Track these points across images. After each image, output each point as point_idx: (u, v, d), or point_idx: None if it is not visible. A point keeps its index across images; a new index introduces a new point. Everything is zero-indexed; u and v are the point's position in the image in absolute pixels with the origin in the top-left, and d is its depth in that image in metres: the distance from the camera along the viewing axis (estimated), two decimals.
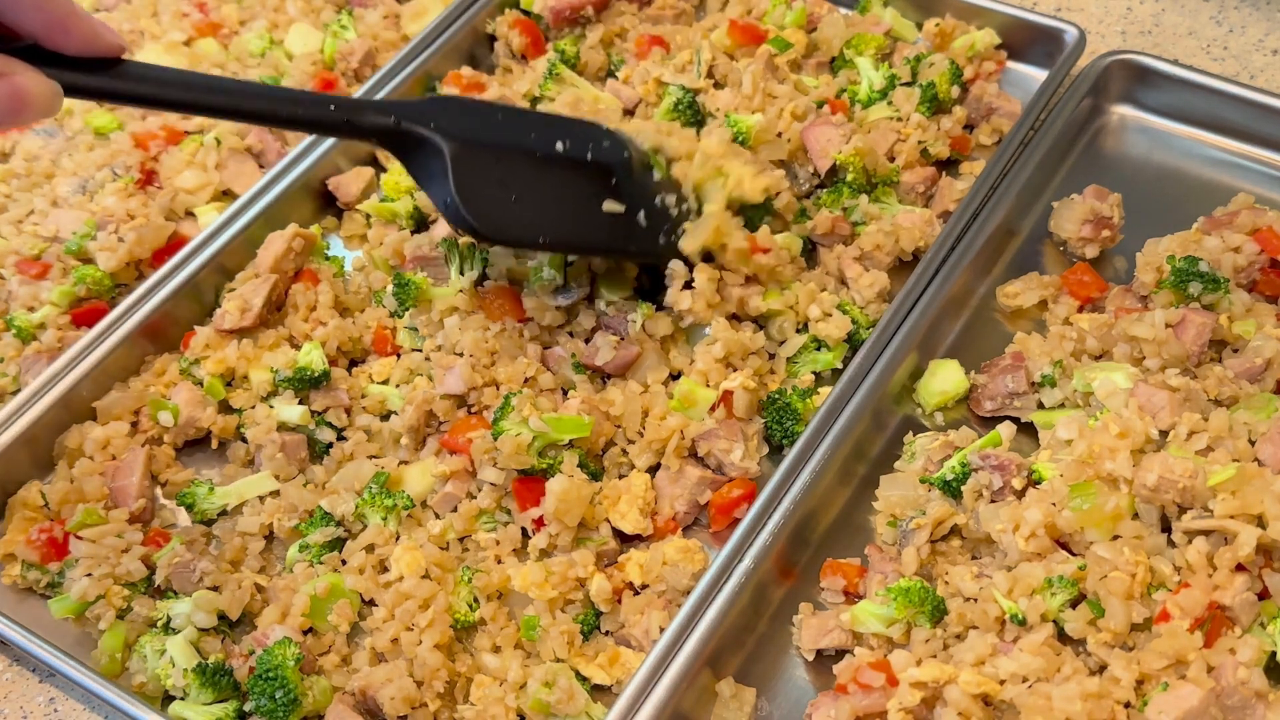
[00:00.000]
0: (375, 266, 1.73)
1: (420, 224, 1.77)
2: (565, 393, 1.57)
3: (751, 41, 1.90)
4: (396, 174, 1.79)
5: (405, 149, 1.45)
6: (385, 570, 1.45)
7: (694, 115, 1.81)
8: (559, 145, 1.52)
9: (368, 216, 1.80)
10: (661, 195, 1.58)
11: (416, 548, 1.43)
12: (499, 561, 1.45)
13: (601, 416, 1.51)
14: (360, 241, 1.80)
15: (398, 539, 1.47)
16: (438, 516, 1.50)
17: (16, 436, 1.54)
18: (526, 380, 1.57)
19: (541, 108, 1.85)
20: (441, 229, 1.70)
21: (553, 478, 1.44)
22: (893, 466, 1.51)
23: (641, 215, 1.54)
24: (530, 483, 1.47)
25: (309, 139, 1.83)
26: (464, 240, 1.66)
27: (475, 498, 1.49)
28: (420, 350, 1.63)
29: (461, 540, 1.49)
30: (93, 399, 1.60)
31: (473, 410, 1.54)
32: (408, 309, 1.64)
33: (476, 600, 1.42)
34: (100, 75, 1.21)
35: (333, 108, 1.41)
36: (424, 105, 1.47)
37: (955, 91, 1.83)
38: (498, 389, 1.54)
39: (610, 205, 1.52)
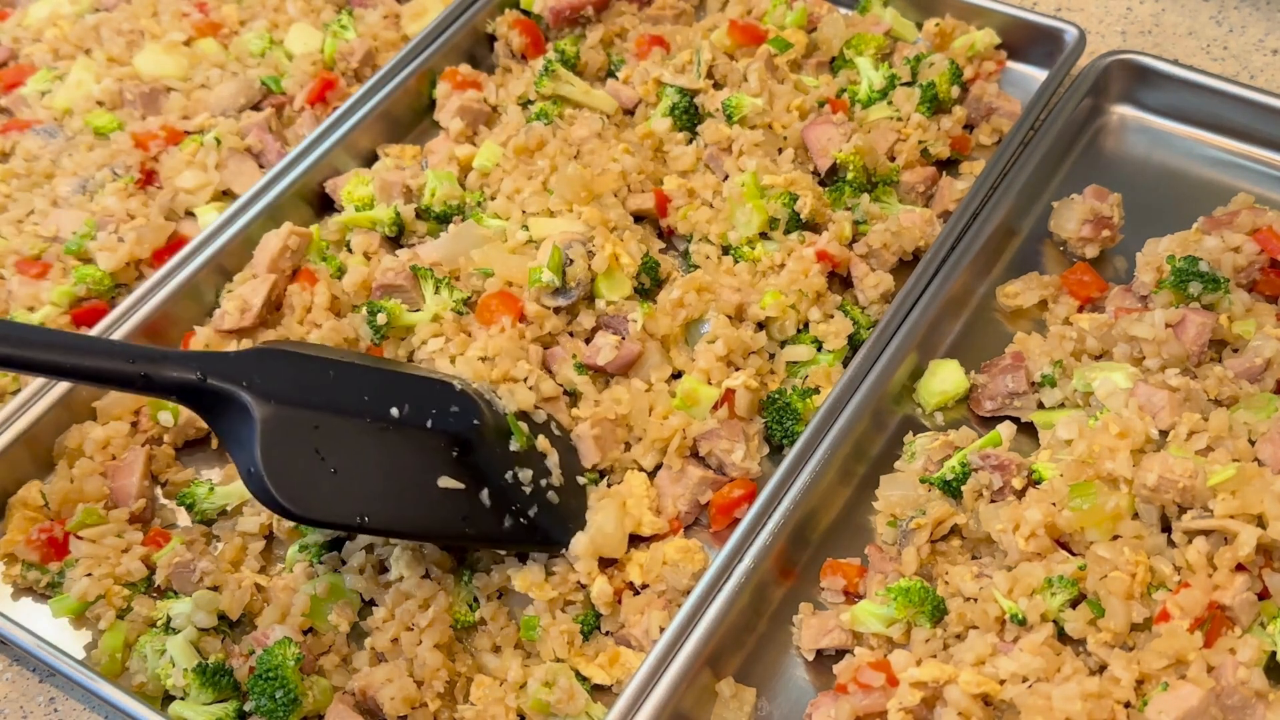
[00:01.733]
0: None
1: (401, 230, 1.76)
2: (568, 394, 1.57)
3: (751, 41, 1.90)
4: (355, 183, 1.78)
5: (210, 408, 1.27)
6: (385, 570, 1.45)
7: (691, 118, 1.81)
8: (394, 411, 1.35)
9: (347, 226, 1.78)
10: (514, 470, 1.41)
11: (416, 547, 1.43)
12: (498, 563, 1.45)
13: (610, 426, 1.51)
14: (340, 248, 1.78)
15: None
16: None
17: (16, 436, 1.54)
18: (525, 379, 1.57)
19: (536, 108, 1.85)
20: (409, 252, 1.69)
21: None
22: (893, 466, 1.51)
23: (485, 493, 1.38)
24: None
25: (310, 139, 1.83)
26: (432, 261, 1.64)
27: None
28: (413, 360, 1.63)
29: None
30: (93, 399, 1.60)
31: None
32: (385, 338, 1.62)
33: (476, 600, 1.42)
34: None
35: (129, 360, 1.23)
36: (241, 359, 1.31)
37: (955, 91, 1.83)
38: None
39: (446, 482, 1.35)
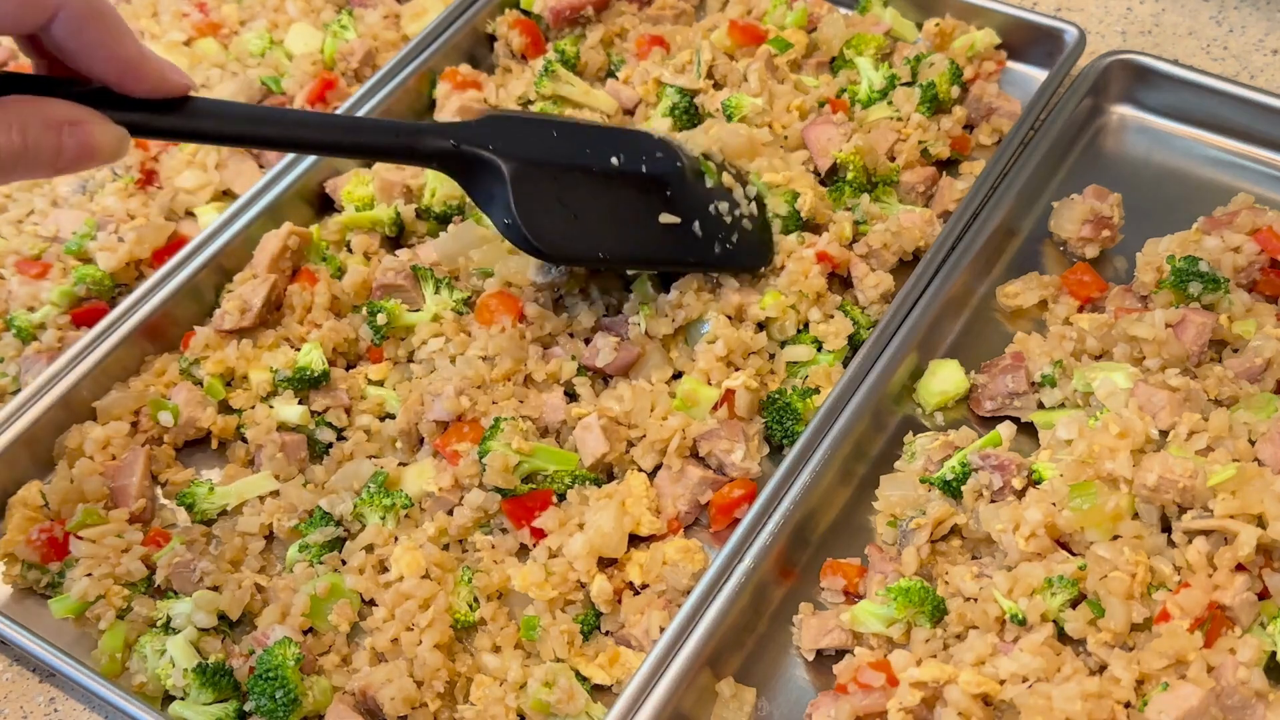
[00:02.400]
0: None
1: (401, 230, 1.76)
2: (569, 395, 1.57)
3: (751, 41, 1.90)
4: (355, 183, 1.78)
5: (464, 172, 1.46)
6: (385, 570, 1.45)
7: (691, 118, 1.81)
8: (614, 160, 1.54)
9: (348, 227, 1.77)
10: (714, 203, 1.59)
11: (416, 548, 1.43)
12: (498, 562, 1.45)
13: (614, 426, 1.51)
14: (340, 248, 1.78)
15: (396, 540, 1.47)
16: (432, 520, 1.49)
17: (16, 436, 1.54)
18: (526, 379, 1.57)
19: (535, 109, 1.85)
20: (409, 252, 1.70)
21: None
22: (893, 466, 1.51)
23: (697, 225, 1.56)
24: (520, 502, 1.47)
25: None
26: (432, 261, 1.65)
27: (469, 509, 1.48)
28: (413, 360, 1.63)
29: (460, 542, 1.49)
30: (93, 399, 1.60)
31: (466, 418, 1.53)
32: (385, 338, 1.63)
33: (476, 600, 1.42)
34: (168, 115, 1.21)
35: (394, 135, 1.42)
36: (482, 127, 1.47)
37: (955, 91, 1.83)
38: (494, 403, 1.53)
39: (666, 218, 1.54)
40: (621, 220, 1.53)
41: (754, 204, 1.64)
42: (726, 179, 1.63)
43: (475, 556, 1.46)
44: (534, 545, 1.45)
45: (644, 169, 1.56)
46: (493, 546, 1.46)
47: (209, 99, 1.28)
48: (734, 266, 1.60)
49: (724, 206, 1.60)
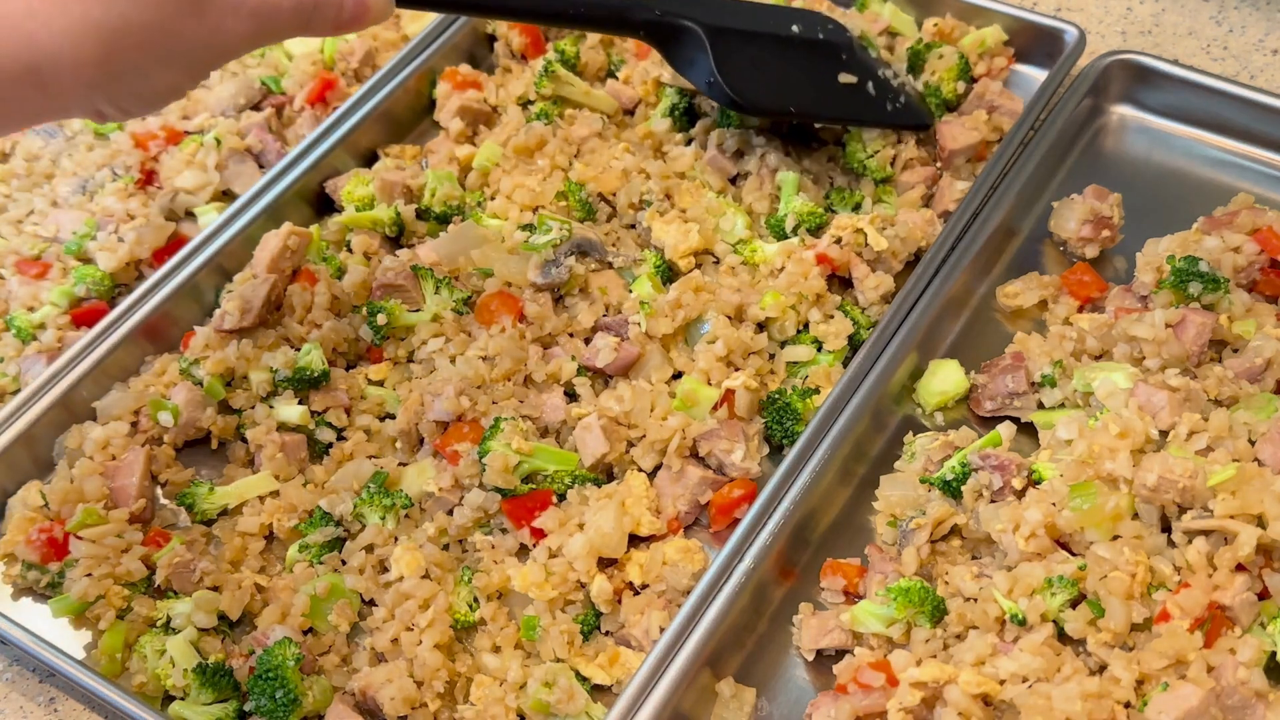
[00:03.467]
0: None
1: (401, 230, 1.76)
2: (569, 396, 1.57)
3: None
4: (355, 183, 1.78)
5: (666, 39, 1.64)
6: (385, 570, 1.45)
7: (690, 120, 1.81)
8: (795, 27, 1.72)
9: (348, 227, 1.78)
10: (881, 69, 1.79)
11: (416, 548, 1.43)
12: (498, 562, 1.45)
13: (614, 426, 1.51)
14: (340, 248, 1.78)
15: (396, 540, 1.47)
16: (432, 520, 1.49)
17: (16, 436, 1.54)
18: (526, 379, 1.57)
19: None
20: (409, 252, 1.70)
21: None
22: (893, 466, 1.51)
23: (870, 86, 1.74)
24: (520, 502, 1.47)
25: (310, 139, 1.83)
26: (432, 261, 1.65)
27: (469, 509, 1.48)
28: (413, 360, 1.63)
29: (460, 542, 1.49)
30: (93, 399, 1.60)
31: (466, 418, 1.53)
32: (385, 338, 1.63)
33: (476, 600, 1.42)
34: None
35: (604, 7, 1.60)
36: (679, 1, 1.65)
37: (961, 87, 1.83)
38: (494, 403, 1.53)
39: (845, 77, 1.73)
40: (807, 79, 1.71)
41: (910, 75, 1.84)
42: (884, 53, 1.85)
43: (475, 556, 1.46)
44: (534, 545, 1.45)
45: (820, 35, 1.75)
46: (493, 546, 1.46)
47: None
48: (904, 124, 1.77)
49: (889, 72, 1.80)
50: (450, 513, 1.49)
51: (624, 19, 1.62)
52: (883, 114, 1.75)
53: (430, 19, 2.00)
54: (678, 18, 1.62)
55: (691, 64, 1.64)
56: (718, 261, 1.68)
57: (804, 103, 1.71)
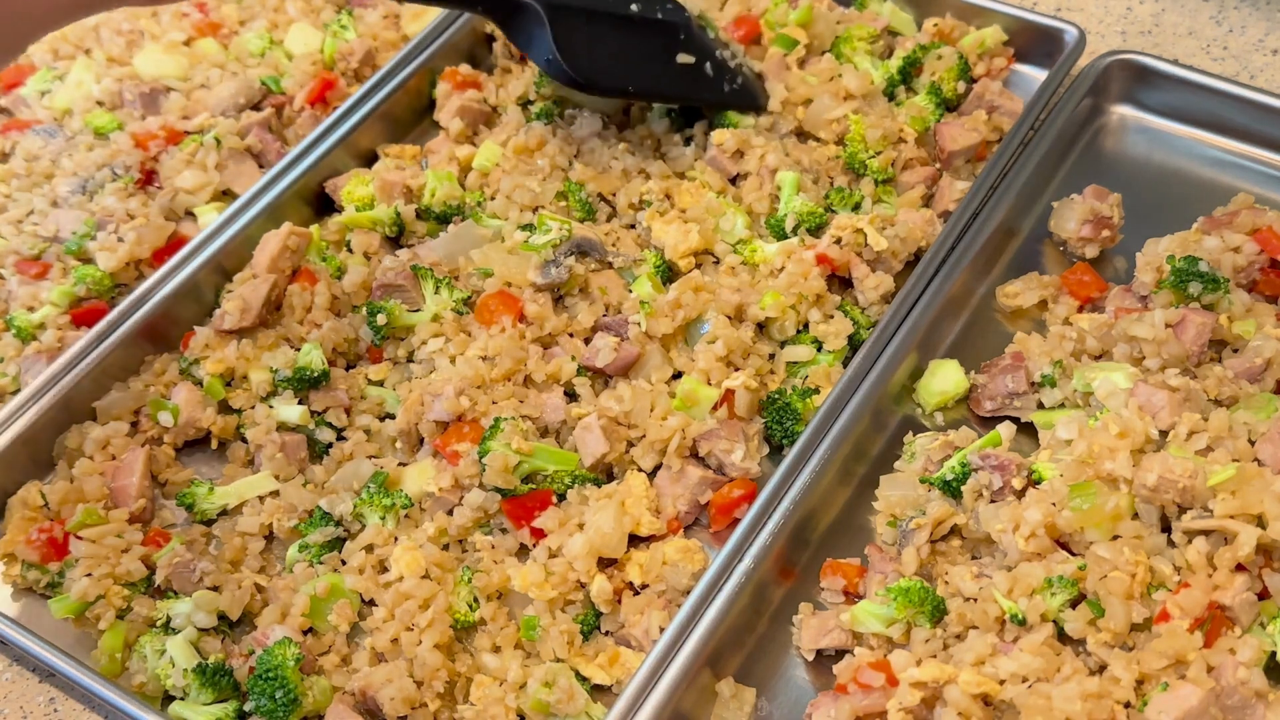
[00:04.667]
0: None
1: (401, 230, 1.76)
2: (569, 396, 1.57)
3: (748, 36, 1.89)
4: (355, 183, 1.79)
5: (506, 16, 1.67)
6: (385, 570, 1.45)
7: (689, 120, 1.80)
8: (634, 6, 1.73)
9: (348, 227, 1.78)
10: (719, 50, 1.81)
11: (416, 548, 1.43)
12: (498, 563, 1.45)
13: (614, 426, 1.51)
14: (340, 248, 1.78)
15: (396, 540, 1.47)
16: (432, 520, 1.49)
17: (16, 436, 1.54)
18: (526, 379, 1.57)
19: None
20: (409, 252, 1.70)
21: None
22: (893, 466, 1.51)
23: (708, 66, 1.76)
24: (520, 502, 1.47)
25: (310, 139, 1.83)
26: (432, 261, 1.66)
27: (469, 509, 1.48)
28: (413, 360, 1.63)
29: (460, 542, 1.49)
30: (93, 399, 1.60)
31: (466, 418, 1.53)
32: (385, 338, 1.63)
33: (476, 600, 1.42)
34: None
35: None
36: None
37: (961, 87, 1.84)
38: (494, 403, 1.53)
39: (684, 57, 1.75)
40: (645, 58, 1.73)
41: (745, 57, 1.86)
42: (723, 34, 1.86)
43: (475, 556, 1.46)
44: (534, 545, 1.45)
45: (659, 15, 1.75)
46: (493, 546, 1.46)
47: None
48: (740, 105, 1.79)
49: (727, 54, 1.82)
50: (450, 513, 1.49)
51: None
52: (720, 94, 1.78)
53: (430, 19, 2.00)
54: None
55: (531, 41, 1.66)
56: (718, 262, 1.68)
57: (643, 82, 1.73)
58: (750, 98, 1.80)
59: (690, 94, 1.77)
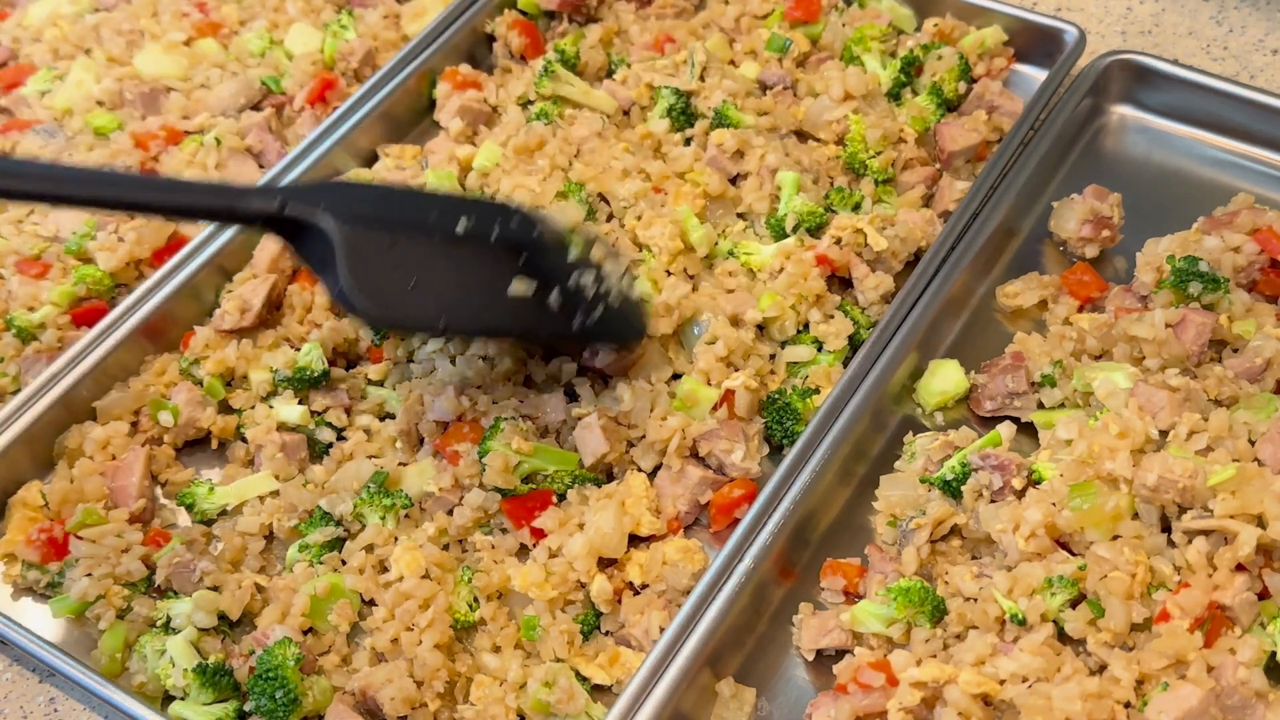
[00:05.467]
0: None
1: None
2: (569, 395, 1.57)
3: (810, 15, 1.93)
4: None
5: (294, 235, 1.39)
6: (385, 570, 1.45)
7: (689, 119, 1.81)
8: (460, 225, 1.46)
9: None
10: (577, 275, 1.50)
11: (416, 548, 1.43)
12: (498, 562, 1.45)
13: (614, 426, 1.51)
14: None
15: (396, 540, 1.47)
16: (432, 520, 1.49)
17: (16, 436, 1.54)
18: (526, 379, 1.57)
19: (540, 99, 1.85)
20: None
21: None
22: (893, 466, 1.51)
23: (554, 296, 1.46)
24: (520, 502, 1.47)
25: (310, 139, 1.83)
26: None
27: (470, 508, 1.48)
28: (413, 360, 1.63)
29: (460, 542, 1.49)
30: (93, 399, 1.60)
31: (466, 418, 1.53)
32: (385, 338, 1.63)
33: (476, 600, 1.42)
34: None
35: (216, 196, 1.40)
36: (314, 189, 1.44)
37: (962, 88, 1.84)
38: (494, 402, 1.53)
39: (517, 287, 1.44)
40: (466, 287, 1.45)
41: (625, 279, 1.55)
42: (597, 252, 1.54)
43: (475, 556, 1.46)
44: (534, 545, 1.45)
45: (493, 237, 1.47)
46: (493, 546, 1.46)
47: (12, 158, 1.26)
48: (595, 340, 1.54)
49: (587, 279, 1.50)
50: (450, 513, 1.49)
51: (235, 212, 1.38)
52: (563, 328, 1.48)
53: (430, 19, 2.00)
54: (304, 211, 1.36)
55: (323, 265, 1.37)
56: (713, 265, 1.68)
57: (461, 316, 1.44)
58: (612, 331, 1.53)
59: (523, 328, 1.48)
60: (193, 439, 1.61)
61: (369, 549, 1.46)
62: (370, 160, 1.88)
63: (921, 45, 1.87)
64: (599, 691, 1.37)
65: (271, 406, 1.57)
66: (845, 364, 1.57)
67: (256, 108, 1.95)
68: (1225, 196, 1.70)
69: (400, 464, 1.54)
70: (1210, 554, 1.29)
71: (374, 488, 1.48)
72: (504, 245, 1.47)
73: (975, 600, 1.33)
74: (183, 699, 1.36)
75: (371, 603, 1.44)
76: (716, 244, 1.68)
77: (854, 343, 1.60)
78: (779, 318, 1.58)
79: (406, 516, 1.49)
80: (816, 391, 1.55)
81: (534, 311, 1.45)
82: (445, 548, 1.47)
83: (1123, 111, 1.87)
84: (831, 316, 1.61)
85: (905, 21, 1.95)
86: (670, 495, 1.48)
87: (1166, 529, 1.34)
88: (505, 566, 1.44)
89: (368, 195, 1.50)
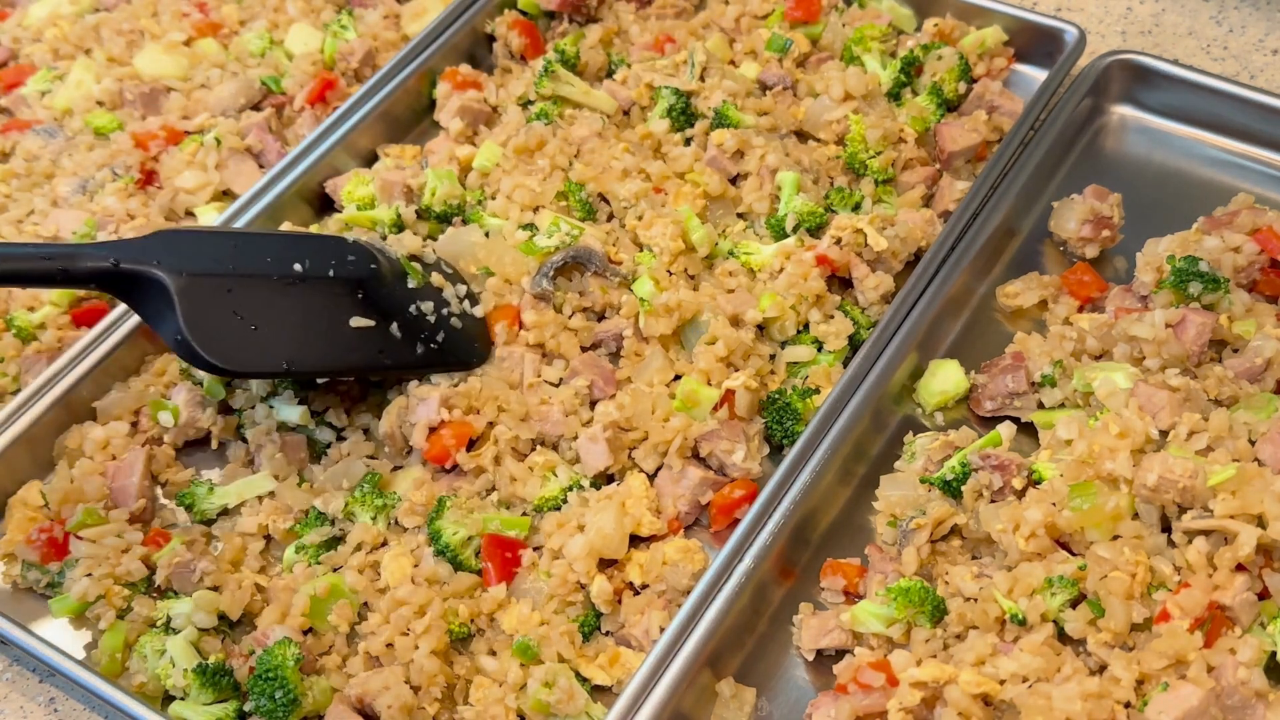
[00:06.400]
0: None
1: (401, 230, 1.76)
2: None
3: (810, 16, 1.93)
4: (355, 183, 1.78)
5: (130, 291, 1.40)
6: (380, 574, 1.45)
7: (690, 119, 1.81)
8: (297, 266, 1.49)
9: (347, 226, 1.77)
10: (416, 304, 1.55)
11: (405, 554, 1.43)
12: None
13: (618, 436, 1.51)
14: None
15: (385, 543, 1.46)
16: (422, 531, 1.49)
17: (16, 436, 1.54)
18: (526, 381, 1.57)
19: (536, 107, 1.85)
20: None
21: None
22: (893, 466, 1.51)
23: (395, 326, 1.52)
24: (499, 540, 1.45)
25: (310, 139, 1.83)
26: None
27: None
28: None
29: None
30: (93, 399, 1.60)
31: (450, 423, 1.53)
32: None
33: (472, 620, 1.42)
34: None
35: (45, 259, 1.38)
36: (145, 241, 1.42)
37: (962, 88, 1.84)
38: (498, 410, 1.54)
39: (359, 321, 1.50)
40: (307, 327, 1.48)
41: (466, 301, 1.60)
42: (436, 278, 1.59)
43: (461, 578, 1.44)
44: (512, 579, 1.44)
45: (331, 273, 1.51)
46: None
47: None
48: (439, 365, 1.55)
49: (428, 306, 1.55)
50: None
51: (69, 273, 1.37)
52: (408, 357, 1.53)
53: (430, 19, 2.00)
54: (137, 265, 1.38)
55: (161, 317, 1.39)
56: (713, 265, 1.68)
57: (306, 356, 1.47)
58: (454, 355, 1.56)
59: (369, 362, 1.51)
60: (193, 439, 1.61)
61: (358, 548, 1.46)
62: (370, 160, 1.88)
63: (921, 45, 1.87)
64: (599, 692, 1.37)
65: (271, 406, 1.57)
66: (845, 364, 1.57)
67: (257, 108, 1.95)
68: (1225, 196, 1.70)
69: (395, 468, 1.54)
70: (1210, 554, 1.29)
71: (367, 487, 1.48)
72: (342, 281, 1.51)
73: (975, 600, 1.33)
74: (183, 699, 1.36)
75: (366, 606, 1.44)
76: (717, 244, 1.68)
77: (854, 343, 1.60)
78: (779, 318, 1.58)
79: (396, 522, 1.49)
80: (816, 391, 1.55)
81: (378, 343, 1.50)
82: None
83: (1123, 111, 1.87)
84: (831, 316, 1.61)
85: (905, 21, 1.95)
86: (671, 495, 1.48)
87: (1166, 529, 1.34)
88: (493, 594, 1.42)
89: (202, 242, 1.49)
